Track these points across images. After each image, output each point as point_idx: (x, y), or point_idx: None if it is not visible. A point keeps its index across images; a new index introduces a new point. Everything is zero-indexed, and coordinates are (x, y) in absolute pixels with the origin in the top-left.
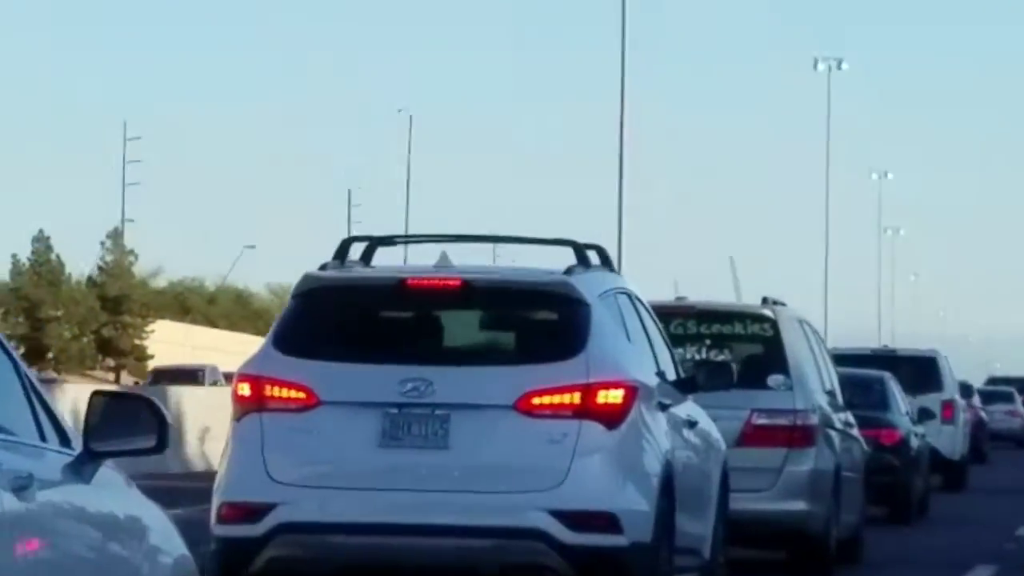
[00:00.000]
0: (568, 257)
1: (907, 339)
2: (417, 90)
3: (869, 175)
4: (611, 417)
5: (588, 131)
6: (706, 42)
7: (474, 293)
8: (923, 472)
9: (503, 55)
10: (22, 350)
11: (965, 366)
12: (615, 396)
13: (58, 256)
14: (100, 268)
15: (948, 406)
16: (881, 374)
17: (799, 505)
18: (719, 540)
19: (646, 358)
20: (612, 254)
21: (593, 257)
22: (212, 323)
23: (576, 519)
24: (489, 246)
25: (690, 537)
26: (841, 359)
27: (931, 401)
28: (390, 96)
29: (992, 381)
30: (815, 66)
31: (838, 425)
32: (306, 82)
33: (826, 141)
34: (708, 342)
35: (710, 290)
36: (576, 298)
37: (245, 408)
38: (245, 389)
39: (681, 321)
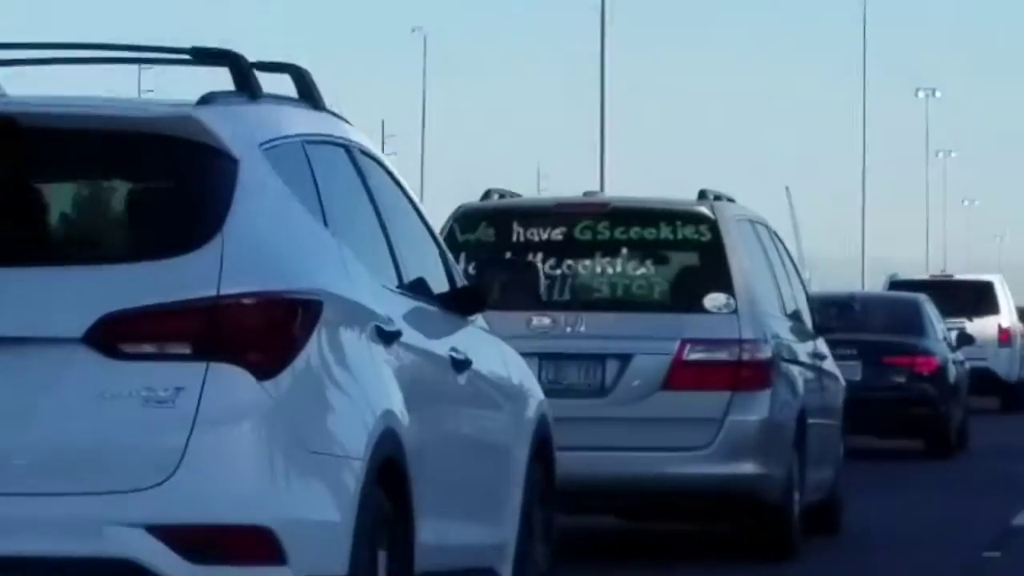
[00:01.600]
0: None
1: (961, 266)
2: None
3: (915, 93)
4: (263, 357)
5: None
6: None
7: (25, 136)
8: (962, 402)
9: None
10: None
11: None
12: (270, 317)
13: None
14: None
15: (1005, 330)
16: (916, 296)
17: (747, 467)
18: (528, 552)
19: (361, 253)
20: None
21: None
22: None
23: (197, 540)
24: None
25: (452, 552)
26: (899, 285)
27: (988, 325)
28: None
29: None
30: None
31: (804, 358)
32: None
33: (862, 53)
34: (625, 251)
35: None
36: (208, 146)
37: None
38: None
39: (590, 223)
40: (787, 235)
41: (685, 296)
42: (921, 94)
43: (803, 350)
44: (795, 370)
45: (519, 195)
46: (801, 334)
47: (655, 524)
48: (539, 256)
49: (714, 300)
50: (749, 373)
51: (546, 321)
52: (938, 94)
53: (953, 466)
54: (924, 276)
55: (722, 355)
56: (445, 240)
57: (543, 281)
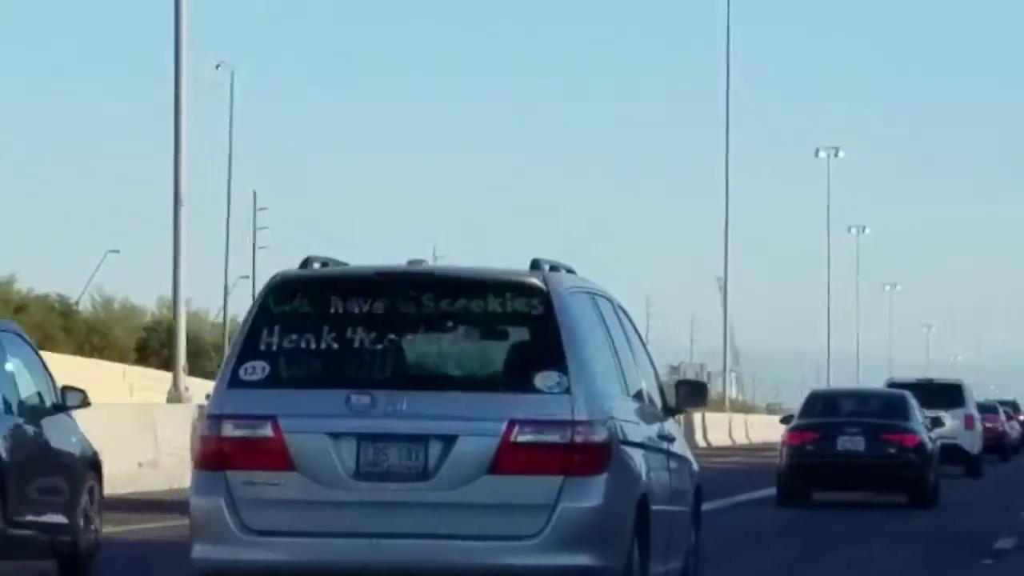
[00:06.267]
0: None
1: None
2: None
3: (816, 154)
4: None
5: None
6: None
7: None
8: (935, 468)
9: None
10: None
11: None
12: None
13: None
14: None
15: (969, 418)
16: (903, 393)
17: (581, 557)
18: None
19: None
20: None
21: None
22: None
23: None
24: None
25: None
26: (894, 385)
27: (958, 415)
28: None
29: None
30: None
31: (647, 440)
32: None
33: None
34: (451, 324)
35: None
36: None
37: None
38: None
39: (413, 294)
40: (719, 327)
41: (514, 374)
42: (822, 154)
43: (647, 432)
44: (636, 453)
45: (343, 263)
46: (645, 415)
47: None
48: (358, 329)
49: (545, 378)
50: (583, 456)
51: (365, 399)
52: (841, 154)
53: (928, 516)
54: (912, 379)
55: (553, 437)
56: (259, 311)
57: (369, 359)
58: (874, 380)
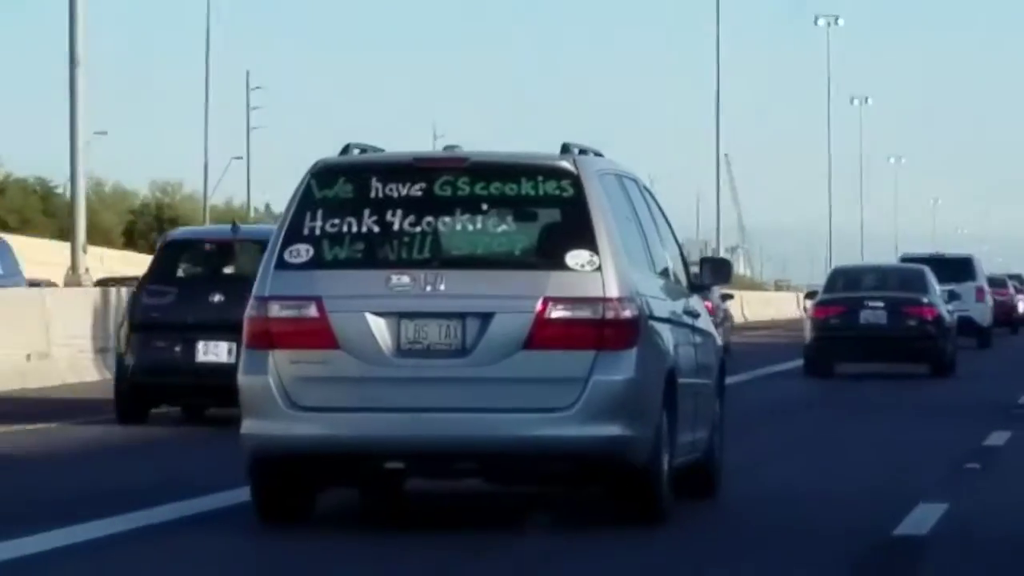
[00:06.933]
0: None
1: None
2: None
3: (815, 21)
4: None
5: None
6: None
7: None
8: (952, 339)
9: None
10: None
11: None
12: None
13: None
14: None
15: (980, 291)
16: (922, 268)
17: (613, 428)
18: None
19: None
20: None
21: None
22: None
23: None
24: None
25: None
26: (907, 259)
27: (968, 288)
28: None
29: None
30: None
31: (674, 316)
32: None
33: None
34: (486, 207)
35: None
36: None
37: None
38: None
39: (449, 179)
40: (728, 205)
41: (547, 253)
42: (822, 22)
43: (673, 308)
44: (664, 328)
45: (381, 150)
46: (672, 292)
47: (520, 487)
48: (398, 212)
49: (577, 257)
50: (614, 331)
51: (405, 279)
52: (841, 22)
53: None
54: (924, 254)
55: (585, 313)
56: (303, 196)
57: (408, 240)
58: (881, 254)
